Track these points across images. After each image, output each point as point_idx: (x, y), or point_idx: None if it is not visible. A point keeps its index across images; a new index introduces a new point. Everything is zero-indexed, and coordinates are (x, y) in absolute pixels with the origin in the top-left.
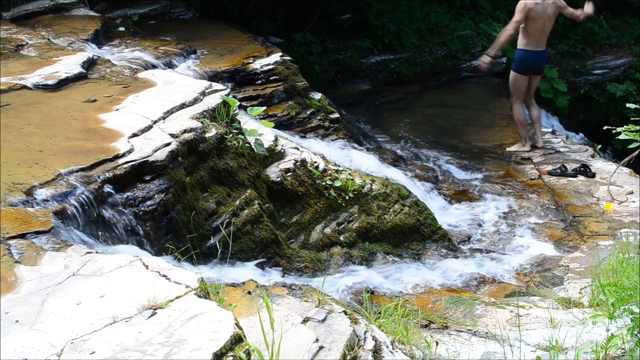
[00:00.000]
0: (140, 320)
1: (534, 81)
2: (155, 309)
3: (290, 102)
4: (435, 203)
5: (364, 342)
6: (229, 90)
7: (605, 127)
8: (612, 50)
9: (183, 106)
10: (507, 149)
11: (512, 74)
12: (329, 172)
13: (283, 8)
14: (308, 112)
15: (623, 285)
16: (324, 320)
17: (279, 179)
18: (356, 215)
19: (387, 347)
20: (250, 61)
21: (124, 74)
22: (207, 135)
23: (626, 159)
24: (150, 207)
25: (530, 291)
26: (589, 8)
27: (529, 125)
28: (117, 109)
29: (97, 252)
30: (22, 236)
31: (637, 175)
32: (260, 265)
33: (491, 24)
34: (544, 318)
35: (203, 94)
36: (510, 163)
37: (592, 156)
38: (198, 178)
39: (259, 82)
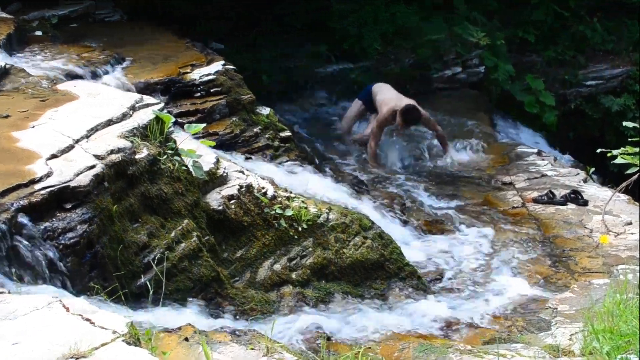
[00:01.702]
0: None
1: None
2: (77, 359)
3: (234, 118)
4: (402, 235)
5: None
6: (163, 104)
7: (599, 150)
8: (608, 57)
9: (110, 123)
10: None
11: None
12: (279, 199)
13: (227, 9)
14: (255, 130)
15: (620, 330)
16: None
17: (220, 208)
18: (310, 249)
19: None
20: (188, 70)
21: (42, 85)
22: (137, 156)
23: (623, 185)
24: (71, 240)
25: (513, 337)
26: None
27: None
28: (34, 126)
29: (9, 292)
30: None
31: (637, 203)
32: (200, 308)
33: (467, 27)
34: None
35: (133, 108)
36: (489, 189)
37: (584, 181)
38: (127, 206)
39: (198, 94)
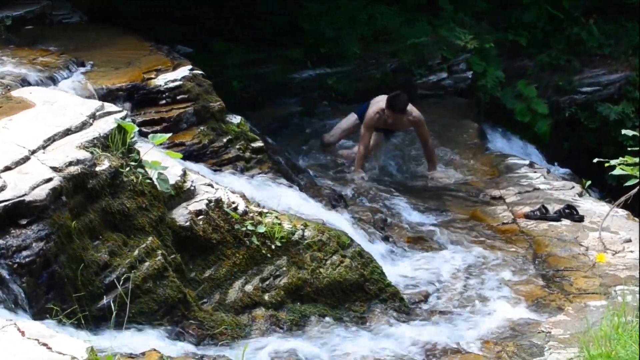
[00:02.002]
0: None
1: None
2: None
3: (202, 128)
4: (383, 254)
5: None
6: (125, 112)
7: (596, 160)
8: (605, 62)
9: (68, 132)
10: None
11: None
12: (251, 214)
13: (194, 9)
14: (224, 140)
15: (618, 356)
16: None
17: (188, 224)
18: (285, 268)
19: None
20: (152, 76)
21: None
22: (98, 168)
23: (622, 199)
24: (27, 259)
25: None
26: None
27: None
28: None
29: None
30: None
31: (636, 219)
32: (165, 331)
33: (453, 30)
34: None
35: (93, 117)
36: (477, 204)
37: (580, 195)
38: (87, 222)
39: (163, 102)
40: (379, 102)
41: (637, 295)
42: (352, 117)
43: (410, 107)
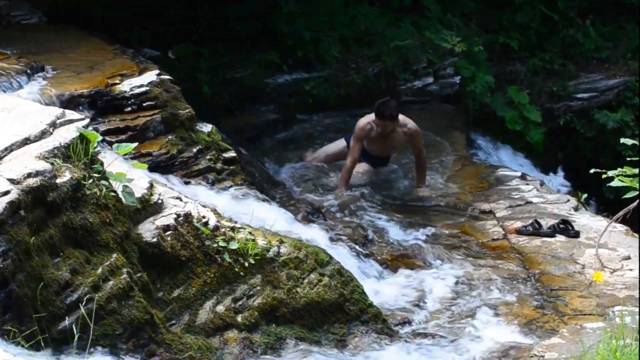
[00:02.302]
0: None
1: None
2: None
3: (170, 137)
4: (364, 272)
5: None
6: (88, 120)
7: (592, 170)
8: (602, 66)
9: (27, 141)
10: None
11: None
12: (223, 230)
13: (162, 10)
14: (194, 150)
15: None
16: None
17: (155, 240)
18: (259, 287)
19: None
20: (117, 81)
21: None
22: (58, 180)
23: (621, 213)
24: None
25: None
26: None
27: None
28: None
29: None
30: None
31: (636, 235)
32: (131, 355)
33: (440, 32)
34: None
35: (53, 125)
36: (465, 218)
37: (576, 209)
38: (47, 238)
39: (129, 109)
40: (368, 115)
41: (637, 316)
42: (340, 143)
43: (404, 118)
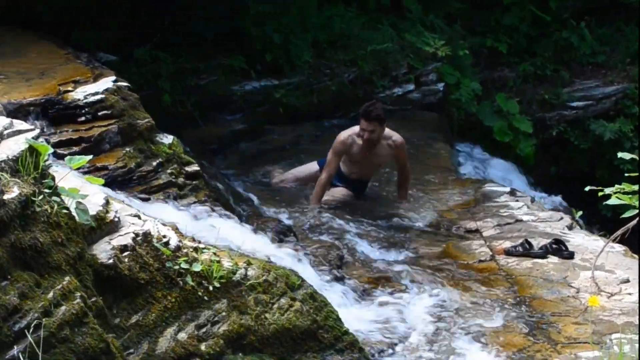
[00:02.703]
0: None
1: None
2: None
3: (127, 149)
4: (339, 296)
5: None
6: (38, 131)
7: (588, 188)
8: (599, 72)
9: None
10: None
11: None
12: (185, 250)
13: (118, 11)
14: (154, 164)
15: None
16: None
17: (111, 261)
18: (224, 313)
19: None
20: (70, 88)
21: None
22: (6, 196)
23: (619, 232)
24: None
25: None
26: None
27: None
28: None
29: None
30: None
31: (635, 256)
32: None
33: (421, 34)
34: None
35: (0, 136)
36: (449, 238)
37: (570, 227)
38: None
39: (83, 119)
40: (351, 128)
41: (637, 345)
42: (312, 167)
43: (389, 130)
